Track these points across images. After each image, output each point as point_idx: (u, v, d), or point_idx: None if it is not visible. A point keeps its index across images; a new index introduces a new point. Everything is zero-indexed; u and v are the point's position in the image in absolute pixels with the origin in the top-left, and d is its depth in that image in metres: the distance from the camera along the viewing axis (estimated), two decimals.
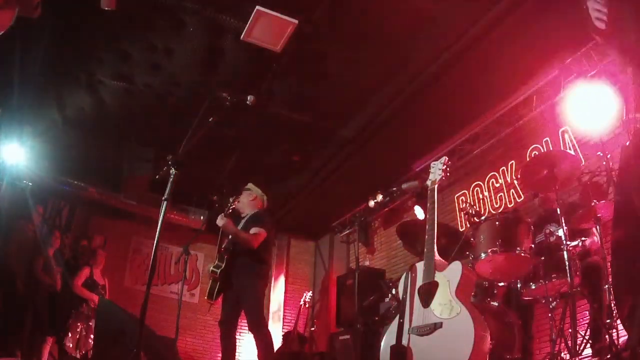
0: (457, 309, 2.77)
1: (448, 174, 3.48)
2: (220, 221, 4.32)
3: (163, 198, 2.90)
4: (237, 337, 4.47)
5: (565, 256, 3.43)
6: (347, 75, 5.41)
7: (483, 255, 3.64)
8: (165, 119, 6.28)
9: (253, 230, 4.46)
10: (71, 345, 5.98)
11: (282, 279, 9.44)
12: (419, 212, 6.84)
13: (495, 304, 3.72)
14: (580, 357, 3.31)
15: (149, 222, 7.81)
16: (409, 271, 3.19)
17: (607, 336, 3.32)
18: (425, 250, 3.17)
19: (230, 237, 4.55)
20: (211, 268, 4.43)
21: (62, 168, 7.11)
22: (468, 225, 4.03)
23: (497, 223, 3.71)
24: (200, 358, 8.07)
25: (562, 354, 3.39)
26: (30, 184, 6.77)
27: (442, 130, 6.42)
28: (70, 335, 6.03)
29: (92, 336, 5.92)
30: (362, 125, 6.29)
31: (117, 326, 3.78)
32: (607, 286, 3.72)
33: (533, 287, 3.79)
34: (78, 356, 5.91)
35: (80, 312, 6.23)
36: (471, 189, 6.53)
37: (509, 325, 3.42)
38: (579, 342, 3.32)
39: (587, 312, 3.87)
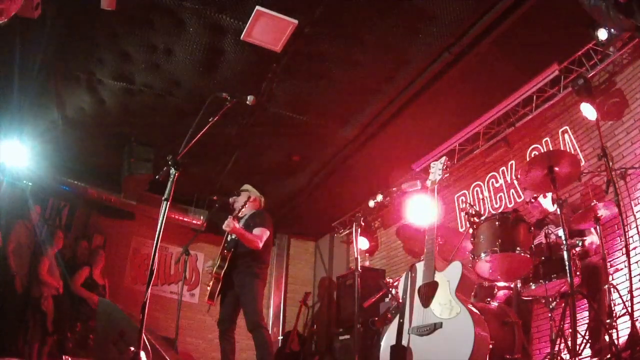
0: (457, 309, 2.77)
1: (448, 174, 3.48)
2: (230, 223, 4.30)
3: (163, 198, 2.90)
4: (235, 336, 4.48)
5: (565, 256, 3.43)
6: (347, 75, 5.41)
7: (483, 255, 3.64)
8: (165, 119, 6.27)
9: (257, 231, 4.47)
10: (71, 345, 5.98)
11: (282, 279, 9.43)
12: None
13: (495, 304, 3.72)
14: (580, 357, 3.30)
15: (149, 222, 7.81)
16: (409, 271, 3.19)
17: (606, 336, 3.32)
18: (425, 250, 3.17)
19: (230, 238, 4.55)
20: (215, 269, 4.43)
21: (62, 168, 7.11)
22: (468, 225, 4.02)
23: (497, 223, 3.71)
24: (200, 358, 8.06)
25: (562, 354, 3.39)
26: (30, 184, 6.77)
27: (442, 130, 6.42)
28: (69, 335, 6.04)
29: (91, 336, 5.92)
30: (362, 125, 6.28)
31: (117, 326, 3.78)
32: (607, 286, 3.72)
33: (533, 287, 3.79)
34: (78, 355, 5.91)
35: (80, 311, 6.24)
36: (471, 189, 6.53)
37: (509, 325, 3.42)
38: (579, 342, 3.32)
39: (587, 312, 3.87)
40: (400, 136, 6.42)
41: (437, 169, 3.46)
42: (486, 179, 6.34)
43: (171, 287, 8.40)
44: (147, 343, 2.60)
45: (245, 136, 6.54)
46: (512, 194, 5.91)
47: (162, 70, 5.40)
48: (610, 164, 3.86)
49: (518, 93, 5.64)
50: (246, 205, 4.58)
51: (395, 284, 5.17)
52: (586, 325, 3.66)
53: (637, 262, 4.28)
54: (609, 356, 3.17)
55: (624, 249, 3.95)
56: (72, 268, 6.63)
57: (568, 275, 3.35)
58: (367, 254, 8.33)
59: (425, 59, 5.12)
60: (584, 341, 3.45)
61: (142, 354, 2.52)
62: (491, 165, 6.35)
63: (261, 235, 4.46)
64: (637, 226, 4.32)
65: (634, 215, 4.40)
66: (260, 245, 4.42)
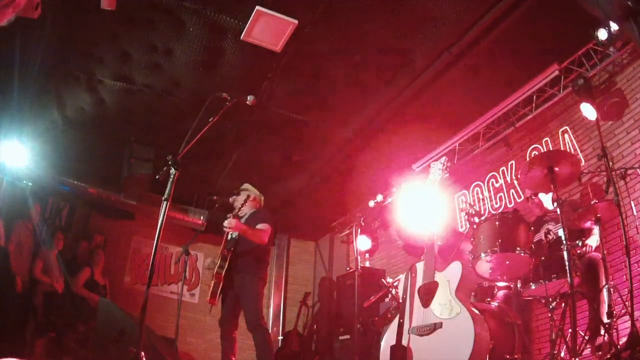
0: (457, 309, 2.77)
1: (448, 174, 3.49)
2: (231, 221, 4.31)
3: (163, 198, 2.90)
4: (236, 336, 4.48)
5: (565, 256, 3.43)
6: (347, 75, 5.41)
7: (483, 255, 3.64)
8: (165, 119, 6.27)
9: (261, 226, 4.46)
10: (73, 345, 6.00)
11: (282, 279, 9.43)
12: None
13: (495, 304, 3.72)
14: (580, 357, 3.30)
15: (149, 222, 7.81)
16: (409, 271, 3.19)
17: (606, 335, 3.32)
18: (425, 250, 3.17)
19: (230, 237, 4.54)
20: (215, 269, 4.42)
21: (62, 168, 7.11)
22: (468, 225, 4.02)
23: (497, 223, 3.71)
24: (200, 358, 8.07)
25: (562, 354, 3.40)
26: (30, 183, 6.78)
27: (442, 130, 6.42)
28: (71, 334, 6.05)
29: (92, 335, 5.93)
30: (362, 125, 6.28)
31: (117, 326, 3.78)
32: (606, 286, 3.72)
33: (533, 287, 3.79)
34: (80, 355, 5.92)
35: (80, 311, 6.25)
36: (471, 189, 6.53)
37: (509, 325, 3.42)
38: (579, 342, 3.32)
39: (587, 312, 3.87)
40: (400, 136, 6.42)
41: (437, 169, 3.47)
42: (486, 179, 6.34)
43: (171, 287, 8.40)
44: (147, 343, 2.60)
45: (245, 136, 6.54)
46: (512, 194, 5.91)
47: (162, 70, 5.40)
48: (610, 164, 3.86)
49: (518, 93, 5.64)
50: (246, 204, 4.56)
51: (395, 284, 5.18)
52: (586, 325, 3.66)
53: (637, 262, 4.28)
54: (609, 356, 3.17)
55: (624, 249, 3.95)
56: (72, 268, 6.65)
57: (568, 275, 3.36)
58: (367, 254, 8.33)
59: (425, 59, 5.12)
60: (584, 341, 3.45)
61: (142, 354, 2.53)
62: (491, 165, 6.35)
63: (266, 230, 4.44)
64: (637, 226, 4.32)
65: (634, 215, 4.40)
66: (265, 240, 4.40)
